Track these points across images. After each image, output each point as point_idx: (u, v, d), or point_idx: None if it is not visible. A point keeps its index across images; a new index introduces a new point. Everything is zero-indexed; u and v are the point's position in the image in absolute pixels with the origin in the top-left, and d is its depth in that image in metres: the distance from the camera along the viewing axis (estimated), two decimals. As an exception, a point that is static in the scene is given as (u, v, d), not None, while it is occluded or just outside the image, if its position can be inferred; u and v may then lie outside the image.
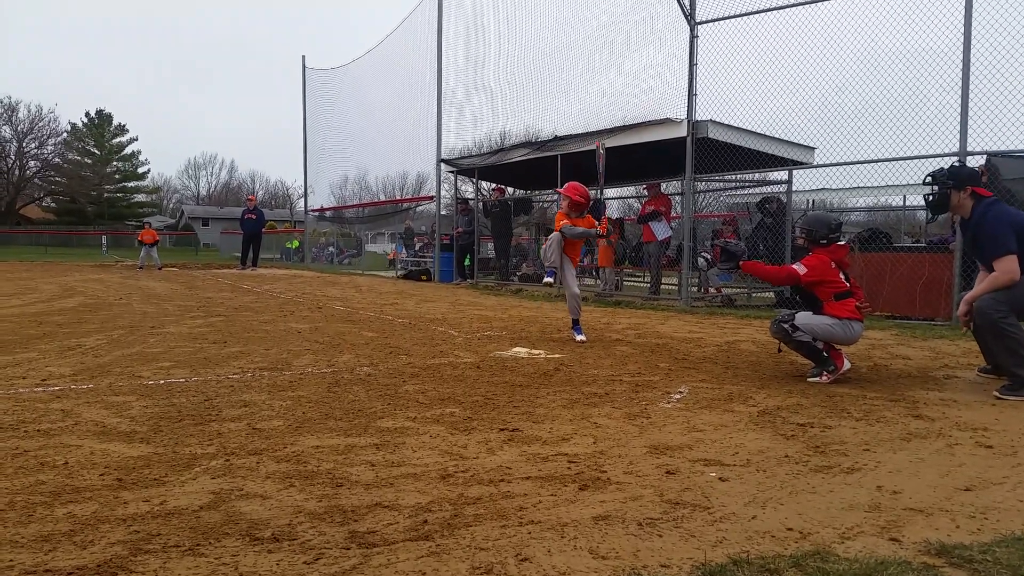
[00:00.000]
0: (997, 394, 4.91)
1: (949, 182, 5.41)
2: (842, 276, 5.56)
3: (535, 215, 19.12)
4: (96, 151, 68.69)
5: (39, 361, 5.80)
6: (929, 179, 5.53)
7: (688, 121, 11.61)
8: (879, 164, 9.86)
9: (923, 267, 9.51)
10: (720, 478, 3.13)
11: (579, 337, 7.58)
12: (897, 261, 9.83)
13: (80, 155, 67.89)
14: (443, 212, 19.48)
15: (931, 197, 5.56)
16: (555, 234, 7.69)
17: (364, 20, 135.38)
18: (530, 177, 18.55)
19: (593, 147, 13.64)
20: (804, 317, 5.48)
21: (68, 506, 2.68)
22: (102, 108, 69.81)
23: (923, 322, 9.05)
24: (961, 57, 8.81)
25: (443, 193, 19.74)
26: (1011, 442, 3.77)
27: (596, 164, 8.06)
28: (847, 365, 5.49)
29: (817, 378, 5.42)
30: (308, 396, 4.68)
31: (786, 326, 5.50)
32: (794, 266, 5.61)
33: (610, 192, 20.09)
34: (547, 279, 8.17)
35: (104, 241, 46.80)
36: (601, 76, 15.52)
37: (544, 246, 8.02)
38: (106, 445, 3.49)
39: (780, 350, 5.83)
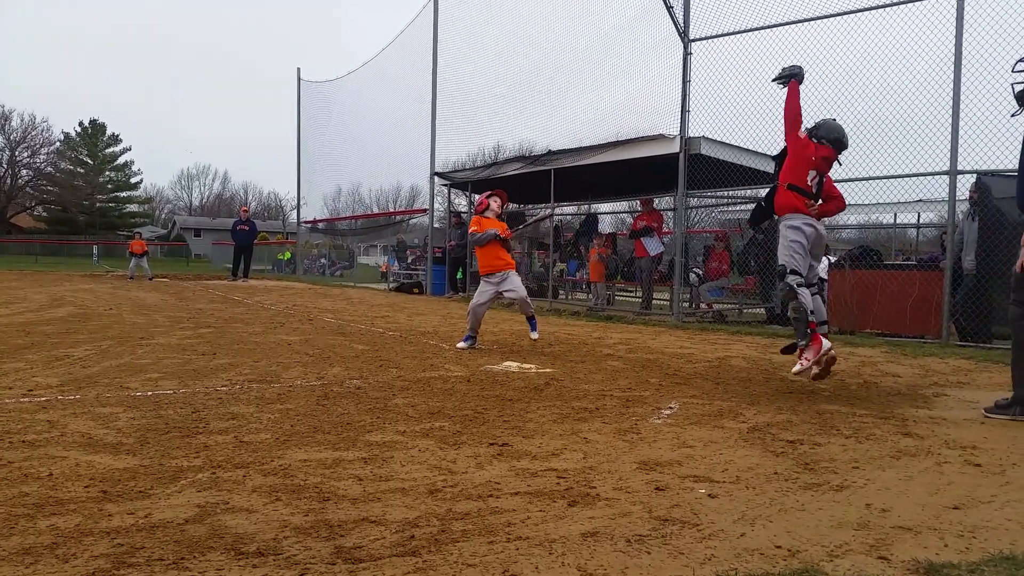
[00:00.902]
0: (985, 412, 4.90)
1: None
2: (815, 180, 5.67)
3: (528, 229, 19.14)
4: (89, 160, 68.65)
5: (26, 371, 5.76)
6: (1021, 64, 4.99)
7: (681, 137, 11.68)
8: (870, 182, 9.91)
9: (913, 285, 9.55)
10: (709, 495, 3.12)
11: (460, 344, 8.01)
12: (888, 279, 9.88)
13: (73, 164, 67.82)
14: (436, 225, 19.49)
15: (1021, 87, 5.00)
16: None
17: (359, 33, 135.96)
18: (523, 191, 18.58)
19: (588, 162, 13.75)
20: (780, 253, 5.62)
21: (51, 518, 2.65)
22: (95, 118, 69.85)
23: (913, 340, 9.08)
24: (952, 76, 8.89)
25: (436, 206, 19.78)
26: (999, 461, 3.78)
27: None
28: (826, 344, 5.41)
29: (799, 365, 5.47)
30: (296, 409, 4.65)
31: (790, 280, 5.50)
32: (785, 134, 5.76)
33: (603, 207, 20.19)
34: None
35: (95, 251, 46.63)
36: (595, 92, 15.61)
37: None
38: (92, 457, 3.46)
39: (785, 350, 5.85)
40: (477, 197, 8.31)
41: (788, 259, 5.54)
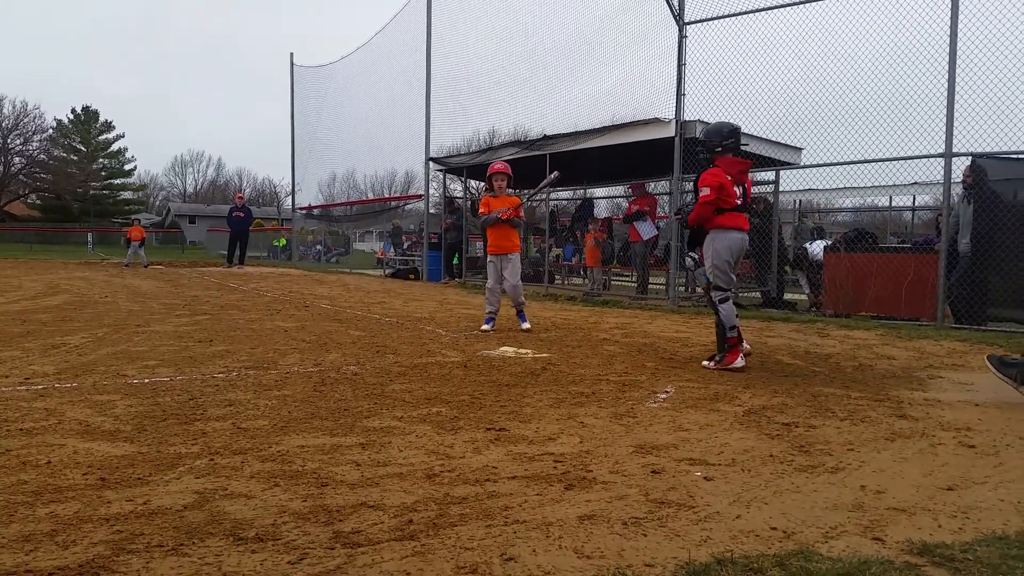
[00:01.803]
0: (988, 362, 4.99)
1: None
2: (739, 192, 5.93)
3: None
4: (82, 148, 68.21)
5: (22, 359, 5.76)
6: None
7: (676, 121, 11.65)
8: (866, 165, 9.92)
9: (908, 267, 9.57)
10: (705, 477, 3.14)
11: (524, 325, 8.15)
12: (883, 262, 9.90)
13: (66, 152, 67.37)
14: (431, 211, 19.45)
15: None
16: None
17: (353, 18, 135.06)
18: (519, 176, 18.51)
19: (583, 146, 13.71)
20: (706, 264, 6.02)
21: (50, 506, 2.66)
22: (88, 105, 69.35)
23: (908, 322, 9.11)
24: (947, 59, 8.87)
25: (431, 192, 19.71)
26: (993, 442, 3.80)
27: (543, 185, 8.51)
28: (738, 363, 5.82)
29: (707, 361, 5.94)
30: (294, 395, 4.66)
31: (712, 294, 5.98)
32: (700, 196, 5.90)
33: (599, 191, 20.16)
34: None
35: (90, 238, 46.45)
36: (590, 76, 15.56)
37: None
38: (89, 444, 3.47)
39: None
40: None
41: (714, 269, 6.04)
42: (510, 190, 8.48)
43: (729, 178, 5.91)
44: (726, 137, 6.06)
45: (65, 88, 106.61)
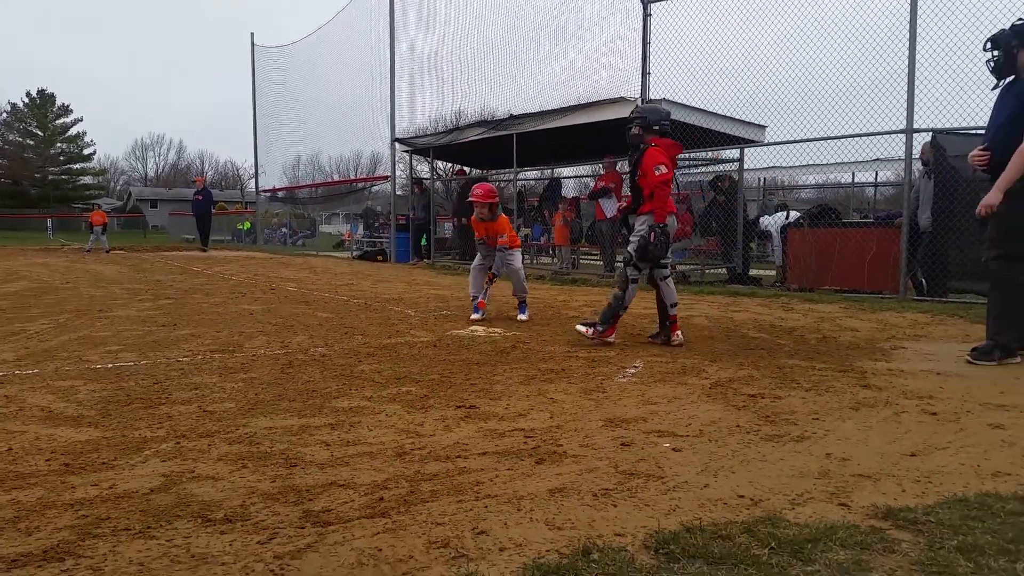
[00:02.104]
0: (969, 359, 5.09)
1: (1014, 42, 5.11)
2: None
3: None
4: (39, 132, 66.69)
5: (-20, 347, 5.63)
6: (989, 44, 5.23)
7: (641, 100, 11.67)
8: (828, 142, 10.03)
9: (871, 242, 9.72)
10: (673, 448, 3.17)
11: (521, 316, 7.68)
12: (846, 236, 10.03)
13: (22, 136, 65.81)
14: (398, 192, 19.32)
15: (993, 62, 5.22)
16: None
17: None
18: (486, 157, 18.47)
19: (550, 126, 13.69)
20: (633, 242, 5.94)
21: (12, 492, 2.61)
22: (44, 88, 67.68)
23: (871, 295, 9.25)
24: (907, 36, 8.97)
25: (398, 173, 19.58)
26: (954, 409, 3.88)
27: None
28: (612, 339, 5.97)
29: (584, 327, 6.02)
30: (261, 378, 4.62)
31: (628, 269, 5.95)
32: (658, 175, 5.73)
33: (566, 171, 20.17)
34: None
35: (49, 224, 45.50)
36: (556, 55, 15.51)
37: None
38: (52, 430, 3.41)
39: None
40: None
41: (645, 248, 5.90)
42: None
43: (670, 163, 5.87)
44: (664, 118, 6.02)
45: (19, 70, 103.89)
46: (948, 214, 8.86)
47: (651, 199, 5.78)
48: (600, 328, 5.95)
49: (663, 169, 5.72)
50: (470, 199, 7.77)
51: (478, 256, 7.93)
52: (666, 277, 6.06)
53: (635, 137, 6.06)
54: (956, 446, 3.23)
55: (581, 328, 6.07)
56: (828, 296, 9.33)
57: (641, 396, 4.18)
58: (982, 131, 7.21)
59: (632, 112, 6.22)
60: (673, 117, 11.45)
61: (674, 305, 6.03)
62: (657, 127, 5.95)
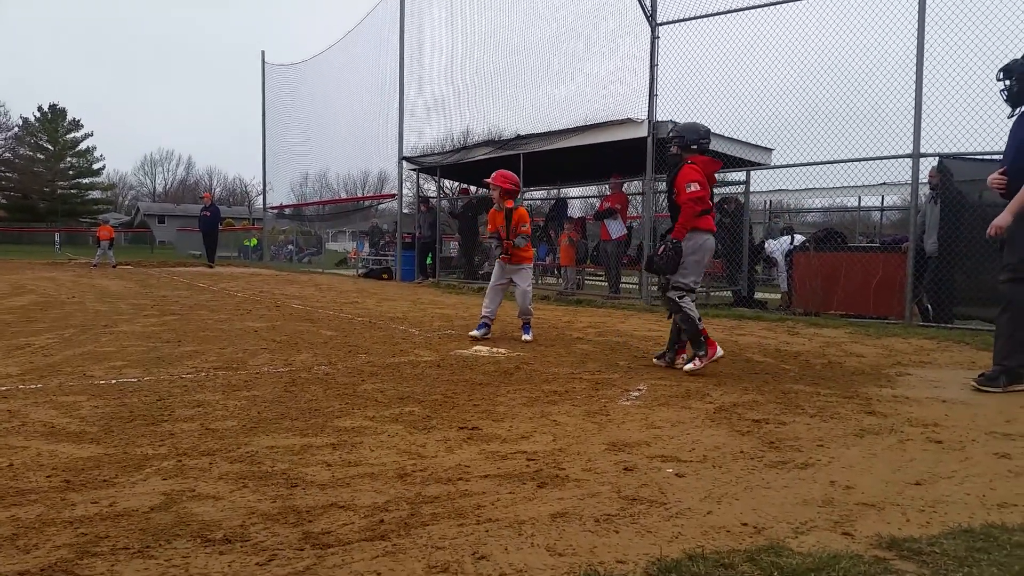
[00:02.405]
0: (975, 385, 5.06)
1: None
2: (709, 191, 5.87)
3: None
4: (49, 147, 67.18)
5: (-15, 361, 5.64)
6: (1001, 74, 5.27)
7: (649, 121, 11.70)
8: (835, 165, 10.04)
9: (877, 267, 9.70)
10: (677, 474, 3.15)
11: (526, 336, 7.63)
12: (852, 261, 10.02)
13: (32, 151, 66.29)
14: (405, 210, 19.37)
15: (1006, 91, 5.26)
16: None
17: (326, 16, 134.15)
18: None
19: (557, 146, 13.72)
20: (679, 272, 5.81)
21: (11, 509, 2.60)
22: (56, 103, 68.25)
23: (877, 320, 9.22)
24: (915, 61, 9.00)
25: (405, 191, 19.64)
26: (960, 437, 3.86)
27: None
28: (719, 352, 5.77)
29: (692, 364, 5.73)
30: (264, 396, 4.61)
31: (673, 295, 5.81)
32: (689, 192, 5.68)
33: (572, 192, 20.21)
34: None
35: (57, 238, 45.71)
36: (564, 76, 15.56)
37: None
38: (54, 446, 3.40)
39: (670, 316, 6.08)
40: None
41: (684, 276, 5.85)
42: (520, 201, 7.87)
43: (708, 179, 5.86)
44: (702, 136, 5.96)
45: (32, 86, 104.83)
46: (954, 239, 8.85)
47: None
48: (701, 353, 5.73)
49: (695, 187, 5.67)
50: (487, 180, 7.90)
51: (495, 275, 7.93)
52: (682, 298, 5.90)
53: (673, 156, 6.02)
54: (961, 475, 3.20)
55: (689, 367, 5.74)
56: (833, 321, 9.30)
57: (644, 420, 4.16)
58: (988, 156, 7.25)
59: (671, 131, 6.16)
60: (680, 139, 11.55)
61: (699, 319, 5.86)
62: (695, 145, 5.89)
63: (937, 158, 9.29)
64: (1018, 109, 5.25)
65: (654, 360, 6.13)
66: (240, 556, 2.25)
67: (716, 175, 6.12)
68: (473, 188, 19.02)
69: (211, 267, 22.83)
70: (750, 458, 3.42)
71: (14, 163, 64.14)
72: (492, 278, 7.97)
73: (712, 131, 6.21)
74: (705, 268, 6.07)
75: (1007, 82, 5.22)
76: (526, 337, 7.60)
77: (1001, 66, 5.30)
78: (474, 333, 7.60)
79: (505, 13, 15.85)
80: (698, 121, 6.36)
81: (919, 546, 2.37)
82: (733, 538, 2.46)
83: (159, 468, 3.10)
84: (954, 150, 8.91)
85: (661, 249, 5.77)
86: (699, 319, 5.80)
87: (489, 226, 7.97)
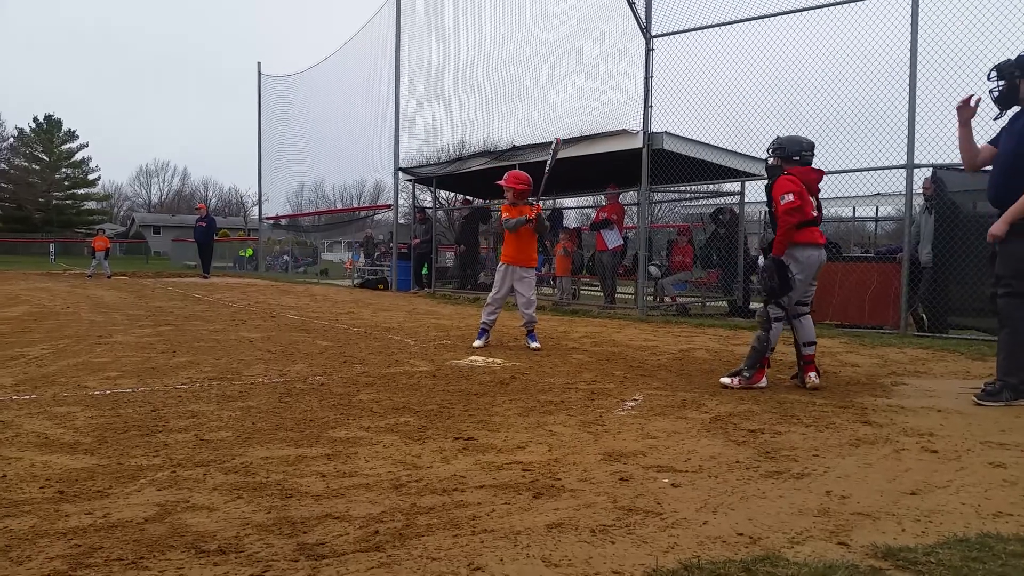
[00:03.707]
0: (976, 399, 5.01)
1: (1016, 72, 5.10)
2: (813, 203, 5.58)
3: (494, 224, 19.13)
4: (44, 157, 67.17)
5: (-21, 371, 5.62)
6: (994, 73, 5.19)
7: (643, 133, 11.73)
8: (829, 176, 9.99)
9: (872, 277, 9.72)
10: (672, 484, 3.15)
11: (533, 344, 7.63)
12: (847, 271, 10.04)
13: (27, 161, 66.26)
14: (401, 221, 19.38)
15: (997, 92, 5.20)
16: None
17: (322, 27, 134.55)
18: (488, 187, 18.47)
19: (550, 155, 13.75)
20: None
21: (5, 520, 2.59)
22: (51, 113, 68.28)
23: (871, 330, 9.24)
24: (908, 71, 9.04)
25: (401, 202, 19.65)
26: (955, 447, 3.86)
27: (550, 157, 7.87)
28: (763, 384, 5.49)
29: (730, 379, 5.53)
30: (258, 406, 4.60)
31: (769, 312, 5.53)
32: (783, 204, 5.41)
33: (568, 202, 20.24)
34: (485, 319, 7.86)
35: (52, 249, 45.61)
36: (558, 87, 15.63)
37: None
38: (48, 457, 3.39)
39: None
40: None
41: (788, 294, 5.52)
42: (532, 199, 7.88)
43: (807, 188, 5.55)
44: (805, 148, 5.66)
45: (27, 96, 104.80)
46: (949, 250, 8.87)
47: None
48: (747, 374, 5.48)
49: (789, 198, 5.38)
50: (499, 182, 7.93)
51: (497, 283, 7.92)
52: (801, 315, 5.65)
53: (772, 168, 5.79)
54: (957, 485, 3.20)
55: (726, 380, 5.56)
56: (828, 330, 9.31)
57: (640, 430, 4.15)
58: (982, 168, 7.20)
59: (771, 144, 5.80)
60: (675, 150, 11.63)
61: (807, 344, 5.57)
62: (797, 157, 5.62)
63: (931, 169, 9.33)
64: (1006, 111, 5.24)
65: (722, 381, 5.62)
66: (234, 567, 2.24)
67: (819, 184, 5.75)
68: (472, 199, 19.06)
69: (206, 278, 22.79)
70: (746, 468, 3.42)
71: (9, 173, 64.08)
72: (494, 287, 7.95)
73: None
74: (812, 284, 5.72)
75: (999, 82, 5.21)
76: (535, 345, 7.61)
77: (993, 65, 5.24)
78: (477, 343, 7.64)
79: (501, 25, 15.91)
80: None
81: (915, 556, 2.37)
82: (729, 548, 2.46)
83: (153, 479, 3.09)
84: (948, 161, 8.93)
85: (766, 272, 5.46)
86: (772, 347, 5.52)
87: (507, 214, 7.86)
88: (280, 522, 2.62)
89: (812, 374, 5.58)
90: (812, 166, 5.72)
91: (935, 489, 3.14)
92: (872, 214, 20.97)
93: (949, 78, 8.53)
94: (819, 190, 5.75)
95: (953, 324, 9.03)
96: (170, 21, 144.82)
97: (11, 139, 64.77)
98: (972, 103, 5.23)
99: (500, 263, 8.04)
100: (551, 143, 8.14)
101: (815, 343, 5.70)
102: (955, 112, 5.40)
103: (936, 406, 4.92)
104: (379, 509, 2.78)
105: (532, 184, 7.94)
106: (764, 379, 5.52)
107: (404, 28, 17.81)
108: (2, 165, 64.31)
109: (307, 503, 2.84)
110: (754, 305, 12.49)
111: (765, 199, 5.80)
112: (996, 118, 5.29)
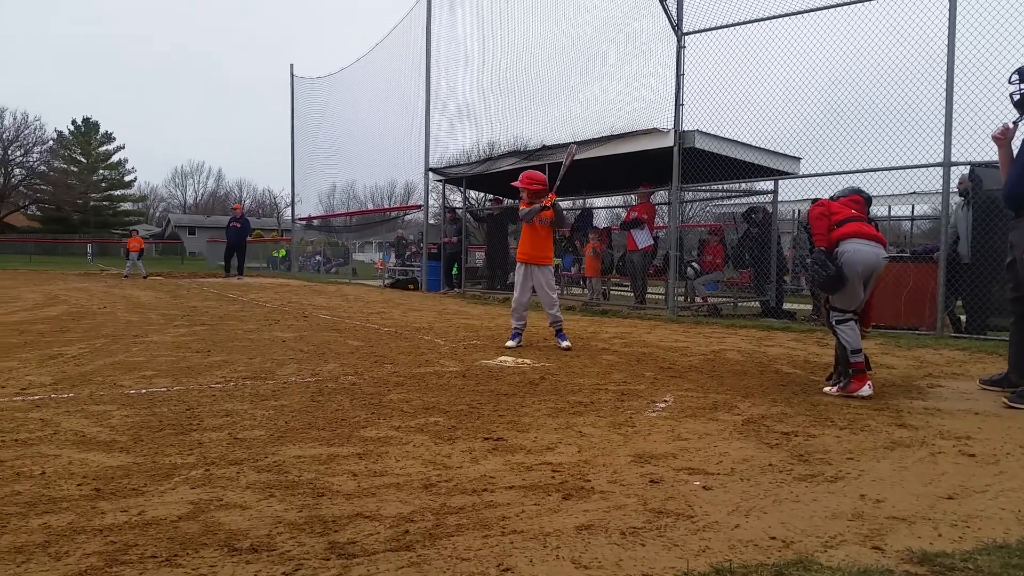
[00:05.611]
0: (1007, 402, 4.92)
1: None
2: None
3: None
4: (82, 159, 68.41)
5: (19, 370, 5.74)
6: (1015, 76, 5.14)
7: (675, 131, 11.66)
8: (864, 174, 9.91)
9: (908, 277, 9.56)
10: (704, 487, 3.12)
11: (564, 344, 7.63)
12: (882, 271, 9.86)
13: (66, 163, 67.59)
14: (431, 221, 19.46)
15: (1018, 95, 5.14)
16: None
17: (353, 29, 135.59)
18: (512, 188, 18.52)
19: (582, 156, 13.72)
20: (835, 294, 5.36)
21: (44, 517, 2.64)
22: (88, 116, 69.54)
23: (907, 331, 9.09)
24: (945, 68, 8.88)
25: (431, 202, 19.73)
26: (993, 451, 3.78)
27: (564, 161, 7.89)
28: (865, 391, 5.16)
29: (830, 388, 5.36)
30: (291, 405, 4.64)
31: (832, 317, 5.38)
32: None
33: (598, 202, 20.17)
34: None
35: (89, 250, 46.48)
36: (589, 86, 15.58)
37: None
38: (85, 455, 3.45)
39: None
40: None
41: (837, 300, 5.39)
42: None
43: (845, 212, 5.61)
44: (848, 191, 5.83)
45: (66, 99, 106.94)
46: (989, 247, 8.69)
47: None
48: (842, 383, 5.30)
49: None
50: (514, 184, 8.04)
51: (518, 283, 7.96)
52: (839, 323, 5.38)
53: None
54: (995, 489, 3.14)
55: (827, 389, 5.38)
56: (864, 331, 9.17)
57: (671, 432, 4.13)
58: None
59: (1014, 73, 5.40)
60: (707, 148, 11.55)
61: (855, 352, 5.26)
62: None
63: (968, 167, 9.16)
64: None
65: (824, 389, 5.41)
66: (266, 565, 2.27)
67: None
68: (503, 199, 19.08)
69: (236, 277, 23.05)
70: (779, 471, 3.38)
71: (48, 176, 65.41)
72: (516, 291, 8.00)
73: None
74: (864, 286, 5.44)
75: (1021, 85, 5.12)
76: (565, 344, 7.63)
77: (1016, 68, 5.19)
78: (509, 344, 7.70)
79: (530, 23, 15.90)
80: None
81: (952, 562, 2.32)
82: (761, 552, 2.43)
83: (187, 477, 3.13)
84: (985, 159, 8.76)
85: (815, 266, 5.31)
86: (856, 350, 5.24)
87: (528, 204, 7.91)
88: (312, 521, 2.64)
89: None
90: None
91: (973, 494, 3.08)
92: (908, 213, 20.64)
93: (986, 75, 8.37)
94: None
95: (993, 325, 8.85)
96: (206, 22, 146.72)
97: (51, 142, 66.09)
98: (1002, 132, 5.19)
99: (517, 263, 8.08)
100: (571, 144, 8.15)
101: (859, 350, 5.34)
102: (990, 117, 5.38)
103: (973, 409, 4.83)
104: (409, 509, 2.79)
105: (547, 184, 8.01)
106: (867, 387, 5.19)
107: (434, 29, 17.89)
108: (42, 167, 65.63)
109: (338, 502, 2.86)
110: (788, 306, 12.36)
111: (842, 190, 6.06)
112: (1015, 123, 5.21)
